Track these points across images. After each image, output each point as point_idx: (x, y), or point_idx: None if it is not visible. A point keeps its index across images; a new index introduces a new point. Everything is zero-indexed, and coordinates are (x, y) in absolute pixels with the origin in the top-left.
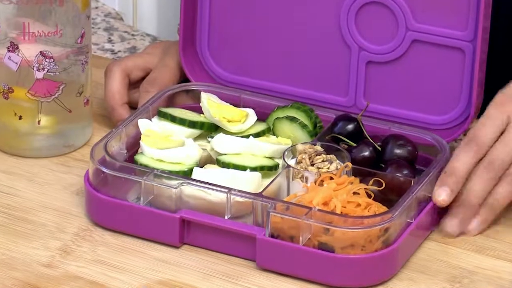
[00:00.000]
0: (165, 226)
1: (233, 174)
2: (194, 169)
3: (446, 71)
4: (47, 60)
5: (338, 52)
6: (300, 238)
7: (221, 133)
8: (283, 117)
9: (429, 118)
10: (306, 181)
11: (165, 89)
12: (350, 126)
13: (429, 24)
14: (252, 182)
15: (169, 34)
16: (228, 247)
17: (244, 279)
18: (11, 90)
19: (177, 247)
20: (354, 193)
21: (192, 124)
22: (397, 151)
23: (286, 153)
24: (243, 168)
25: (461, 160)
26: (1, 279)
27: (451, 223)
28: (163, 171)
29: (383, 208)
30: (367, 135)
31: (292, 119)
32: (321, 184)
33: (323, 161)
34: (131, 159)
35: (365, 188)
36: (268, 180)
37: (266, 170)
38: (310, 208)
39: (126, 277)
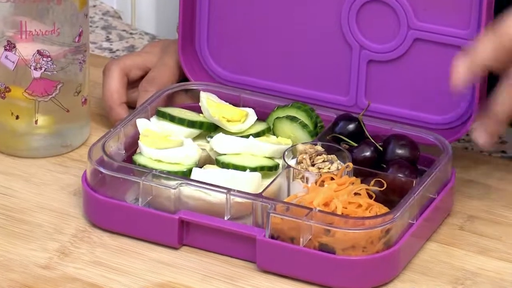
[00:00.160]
0: (164, 227)
1: (232, 174)
2: (193, 170)
3: (448, 70)
4: (45, 59)
5: (339, 50)
6: (301, 239)
7: (221, 133)
8: (283, 116)
9: (431, 117)
10: (307, 182)
11: (164, 88)
12: (351, 126)
13: (431, 23)
14: (252, 182)
15: (168, 33)
16: (227, 249)
17: (244, 281)
18: (8, 90)
19: (176, 249)
20: (355, 193)
21: (191, 124)
22: (399, 151)
23: (286, 153)
24: (242, 168)
25: (500, 101)
26: None
27: (479, 134)
28: (161, 172)
29: (385, 209)
30: (368, 135)
31: (293, 119)
32: (321, 185)
33: (323, 161)
34: (129, 159)
35: (366, 189)
36: (268, 181)
37: (266, 170)
38: (311, 209)
39: (124, 279)
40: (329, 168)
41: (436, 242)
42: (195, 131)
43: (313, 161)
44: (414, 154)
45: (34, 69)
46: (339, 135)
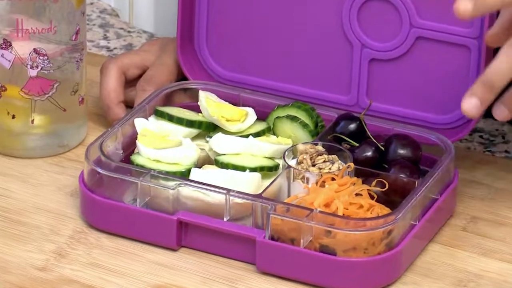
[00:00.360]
0: (162, 228)
1: (232, 174)
2: (192, 170)
3: (451, 69)
4: (41, 57)
5: (340, 49)
6: (301, 241)
7: (220, 133)
8: (284, 116)
9: (434, 117)
10: (307, 182)
11: (162, 87)
12: (352, 126)
13: (433, 21)
14: (252, 183)
15: (166, 31)
16: (227, 250)
17: (244, 283)
18: (4, 89)
19: (174, 250)
20: (357, 194)
21: (190, 124)
22: (401, 151)
23: (286, 153)
24: (242, 168)
25: (498, 67)
26: None
27: (469, 101)
28: (160, 172)
29: (386, 210)
30: (369, 135)
31: (293, 118)
32: (322, 185)
33: (324, 161)
34: (127, 159)
35: (367, 189)
36: (268, 181)
37: (266, 170)
38: (311, 210)
39: (122, 280)
40: (330, 169)
41: (439, 244)
42: (194, 131)
43: (314, 161)
44: (416, 154)
45: (30, 68)
46: (340, 134)
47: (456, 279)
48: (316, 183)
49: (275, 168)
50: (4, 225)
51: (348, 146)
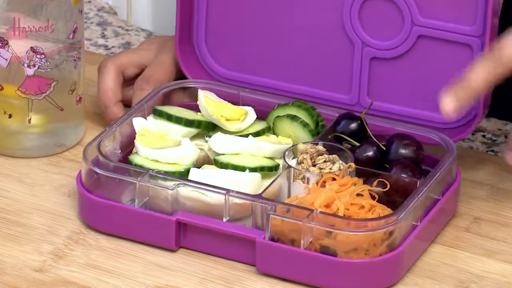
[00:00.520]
0: (161, 229)
1: (231, 175)
2: (191, 170)
3: (453, 67)
4: (38, 56)
5: (341, 47)
6: (302, 242)
7: (219, 132)
8: (284, 115)
9: (436, 116)
10: (308, 182)
11: (161, 86)
12: (353, 125)
13: (435, 19)
14: (252, 183)
15: (165, 29)
16: (226, 251)
17: (243, 284)
18: (0, 88)
19: (173, 251)
20: (358, 194)
21: (188, 123)
22: (402, 151)
23: (286, 153)
24: (242, 168)
25: (476, 68)
26: None
27: (447, 100)
28: (158, 172)
29: (388, 210)
30: (371, 135)
31: (293, 118)
32: (323, 186)
33: (325, 161)
34: (125, 159)
35: (369, 190)
36: (268, 181)
37: (266, 170)
38: (312, 210)
39: (120, 282)
40: (330, 169)
41: (441, 245)
42: (193, 130)
43: (314, 161)
44: (418, 154)
45: (27, 67)
46: (341, 134)
47: (458, 281)
48: (317, 183)
49: (275, 168)
50: (1, 226)
51: (349, 146)
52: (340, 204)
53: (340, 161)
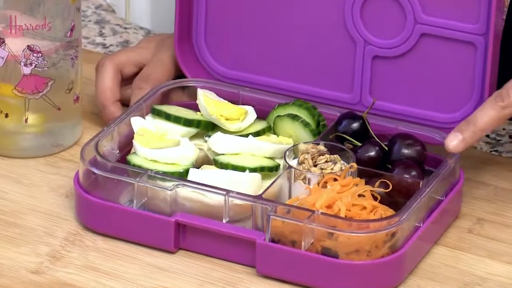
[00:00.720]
0: (159, 230)
1: (231, 175)
2: (190, 170)
3: (456, 66)
4: (35, 54)
5: (342, 46)
6: (302, 243)
7: (219, 132)
8: (284, 115)
9: (439, 116)
10: (309, 183)
11: (159, 85)
12: (355, 125)
13: (438, 17)
14: (252, 183)
15: (164, 27)
16: (226, 253)
17: (244, 286)
18: None
19: (172, 253)
20: (360, 195)
21: (188, 123)
22: (405, 151)
23: (287, 153)
24: (242, 169)
25: (484, 112)
26: None
27: (452, 136)
28: (157, 172)
29: (390, 211)
30: (373, 134)
31: (294, 117)
32: (324, 186)
33: (326, 161)
34: (123, 159)
35: (371, 190)
36: (269, 182)
37: (267, 171)
38: (313, 211)
39: (118, 284)
40: (332, 169)
41: (444, 246)
42: (192, 130)
43: (316, 162)
44: (421, 154)
45: (24, 65)
46: (342, 134)
47: (462, 283)
48: (318, 183)
49: (275, 168)
50: None
51: (351, 146)
52: (342, 205)
53: (342, 161)
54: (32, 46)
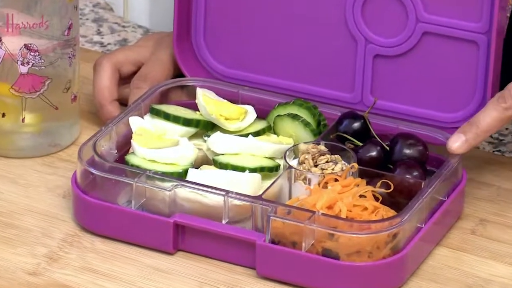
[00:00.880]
0: (158, 231)
1: (231, 175)
2: (189, 170)
3: (459, 65)
4: (32, 53)
5: (343, 45)
6: (303, 244)
7: (218, 132)
8: (285, 114)
9: (441, 115)
10: (309, 183)
11: (158, 84)
12: (356, 124)
13: (440, 15)
14: (252, 184)
15: (162, 26)
16: (225, 254)
17: None
18: None
19: (171, 254)
20: (361, 196)
21: (187, 122)
22: (407, 151)
23: (287, 153)
24: (241, 169)
25: (487, 114)
26: None
27: (454, 138)
28: (156, 173)
29: (392, 212)
30: (374, 134)
31: (294, 117)
32: (325, 187)
33: (327, 161)
34: (121, 159)
35: (372, 191)
36: (269, 182)
37: (266, 171)
38: (314, 212)
39: (116, 286)
40: (332, 169)
41: (446, 247)
42: (191, 130)
43: (316, 162)
44: (422, 154)
45: (21, 64)
46: (343, 134)
47: (464, 285)
48: (319, 184)
49: (275, 168)
50: None
51: (352, 146)
52: (343, 206)
53: (343, 162)
54: (29, 45)
